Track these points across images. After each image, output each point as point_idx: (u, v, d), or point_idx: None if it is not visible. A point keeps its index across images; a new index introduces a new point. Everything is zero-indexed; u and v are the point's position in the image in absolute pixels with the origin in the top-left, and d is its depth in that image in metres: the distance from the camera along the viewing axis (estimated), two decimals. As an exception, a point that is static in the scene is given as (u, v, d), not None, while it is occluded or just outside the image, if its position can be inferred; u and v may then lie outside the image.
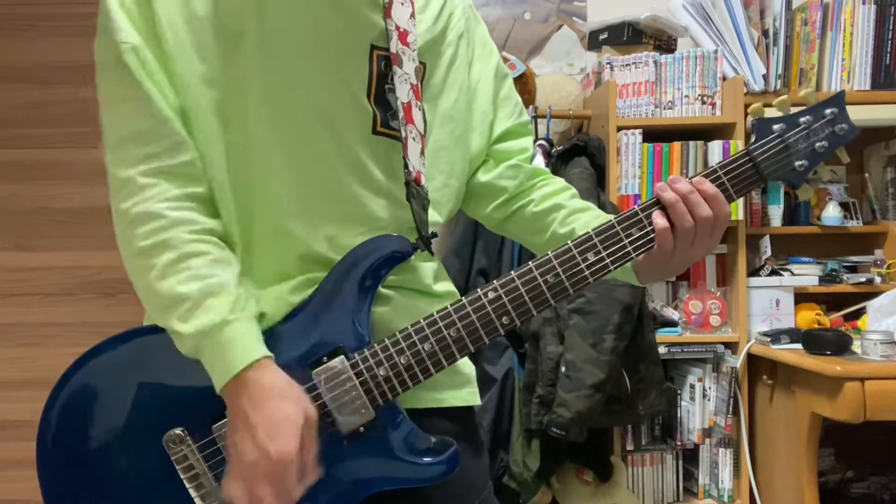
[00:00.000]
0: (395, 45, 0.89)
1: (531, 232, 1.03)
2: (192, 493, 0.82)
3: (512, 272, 0.85)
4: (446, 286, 0.97)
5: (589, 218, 0.97)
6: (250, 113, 0.84)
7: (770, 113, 0.89)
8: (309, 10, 0.85)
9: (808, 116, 0.88)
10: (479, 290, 0.85)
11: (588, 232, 0.86)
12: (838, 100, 0.89)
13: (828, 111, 0.88)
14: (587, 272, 0.85)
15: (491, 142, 1.03)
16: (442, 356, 0.84)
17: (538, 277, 0.84)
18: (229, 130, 0.84)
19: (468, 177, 1.02)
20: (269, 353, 0.80)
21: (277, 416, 0.76)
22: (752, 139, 0.89)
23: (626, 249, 0.85)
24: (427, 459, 0.83)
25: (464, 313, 0.84)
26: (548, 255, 0.85)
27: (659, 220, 0.85)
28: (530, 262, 0.85)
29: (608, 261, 0.85)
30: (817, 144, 0.88)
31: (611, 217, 0.89)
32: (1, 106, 2.63)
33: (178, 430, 0.82)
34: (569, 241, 0.85)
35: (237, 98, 0.84)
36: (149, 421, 0.83)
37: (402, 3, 0.91)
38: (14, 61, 2.64)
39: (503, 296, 0.84)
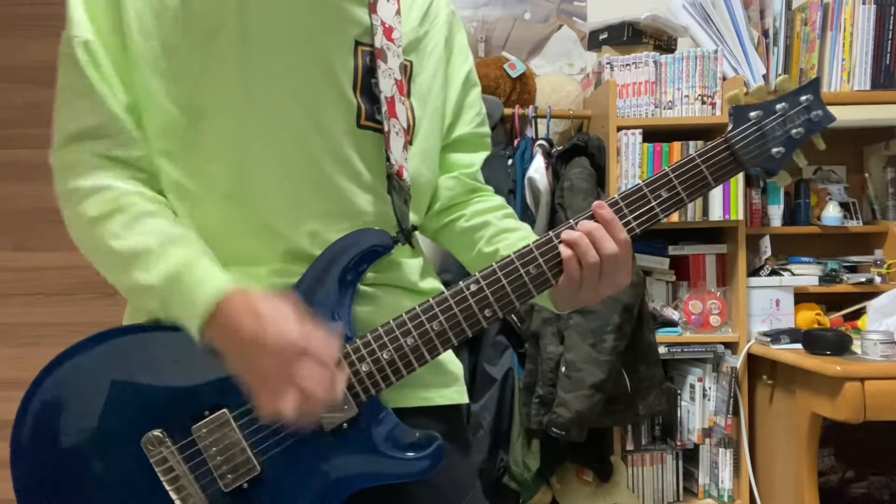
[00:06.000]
0: (379, 41, 0.89)
1: (459, 247, 1.02)
2: (173, 495, 0.79)
3: (494, 264, 0.84)
4: (433, 283, 0.96)
5: (515, 239, 0.95)
6: (227, 108, 0.82)
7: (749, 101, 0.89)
8: (291, 5, 0.84)
9: (783, 103, 0.88)
10: (461, 282, 0.84)
11: (570, 222, 0.85)
12: (813, 87, 0.89)
13: (803, 98, 0.88)
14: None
15: (443, 146, 1.01)
16: (425, 350, 0.83)
17: (520, 269, 0.84)
18: (200, 127, 0.83)
19: None
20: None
21: (279, 304, 0.75)
22: (730, 127, 0.89)
23: (558, 259, 0.84)
24: (411, 454, 0.82)
25: (446, 306, 0.83)
26: (529, 245, 0.85)
27: (565, 250, 0.84)
28: (512, 254, 0.85)
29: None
30: (793, 131, 0.88)
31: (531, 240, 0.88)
32: (1, 106, 2.63)
33: (156, 432, 0.79)
34: (550, 232, 0.85)
35: (212, 93, 0.82)
36: (126, 423, 0.80)
37: (388, 0, 0.91)
38: (14, 61, 2.64)
39: (485, 288, 0.83)
